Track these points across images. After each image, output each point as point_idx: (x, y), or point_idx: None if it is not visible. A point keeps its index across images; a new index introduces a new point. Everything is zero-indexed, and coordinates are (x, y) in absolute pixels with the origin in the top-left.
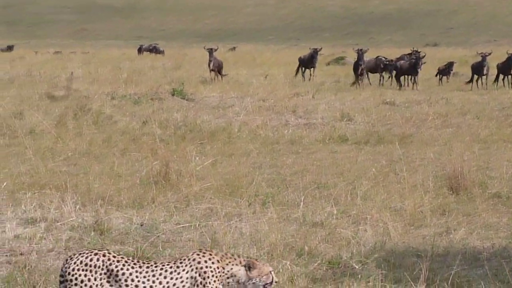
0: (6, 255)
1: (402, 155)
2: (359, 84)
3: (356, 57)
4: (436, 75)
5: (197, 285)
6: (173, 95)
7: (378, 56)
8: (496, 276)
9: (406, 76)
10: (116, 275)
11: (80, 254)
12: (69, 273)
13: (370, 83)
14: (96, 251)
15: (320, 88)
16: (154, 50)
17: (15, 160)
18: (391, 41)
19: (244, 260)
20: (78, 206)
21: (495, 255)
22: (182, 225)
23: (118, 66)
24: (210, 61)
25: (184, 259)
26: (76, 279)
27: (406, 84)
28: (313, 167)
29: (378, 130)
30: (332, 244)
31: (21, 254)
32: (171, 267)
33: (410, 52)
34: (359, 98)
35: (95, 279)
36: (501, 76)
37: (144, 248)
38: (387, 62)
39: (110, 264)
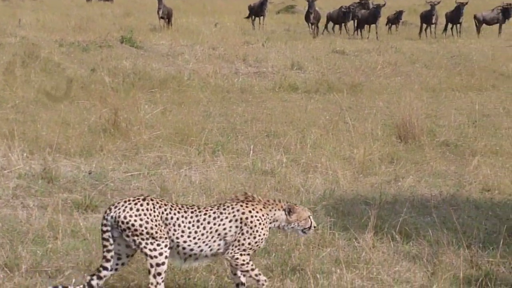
0: None
1: (352, 104)
2: (313, 33)
3: (306, 6)
4: (386, 24)
5: (246, 235)
6: (122, 42)
7: (342, 7)
8: (444, 224)
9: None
10: (166, 219)
11: (125, 201)
12: (123, 222)
13: (339, 32)
14: (143, 197)
15: (270, 36)
16: None
17: None
18: None
19: (284, 205)
20: (25, 154)
21: (443, 202)
22: (131, 174)
23: (66, 13)
24: (159, 8)
25: (228, 207)
26: (133, 225)
27: (356, 33)
28: (263, 115)
29: (328, 79)
30: (282, 192)
31: None
32: (214, 213)
33: (359, 0)
34: (309, 47)
35: (152, 221)
36: (449, 25)
37: (93, 196)
38: (345, 10)
39: (160, 207)
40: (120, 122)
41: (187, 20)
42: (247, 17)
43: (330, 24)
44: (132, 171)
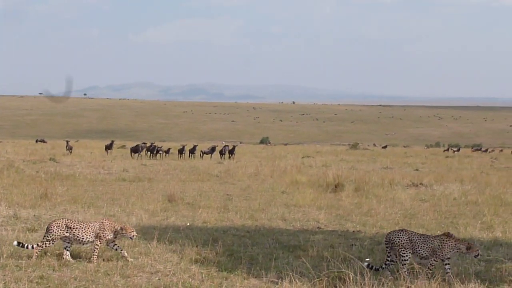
0: None
1: None
2: None
3: None
4: None
5: (439, 247)
6: None
7: None
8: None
9: None
10: (412, 241)
11: (396, 231)
12: (390, 237)
13: None
14: (403, 230)
15: None
16: None
17: None
18: None
19: (467, 244)
20: None
21: None
22: None
23: None
24: None
25: (440, 236)
26: (397, 240)
27: None
28: None
29: None
30: None
31: None
32: (434, 238)
33: None
34: None
35: (404, 240)
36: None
37: None
38: None
39: (410, 236)
40: None
41: None
42: None
43: None
44: None
